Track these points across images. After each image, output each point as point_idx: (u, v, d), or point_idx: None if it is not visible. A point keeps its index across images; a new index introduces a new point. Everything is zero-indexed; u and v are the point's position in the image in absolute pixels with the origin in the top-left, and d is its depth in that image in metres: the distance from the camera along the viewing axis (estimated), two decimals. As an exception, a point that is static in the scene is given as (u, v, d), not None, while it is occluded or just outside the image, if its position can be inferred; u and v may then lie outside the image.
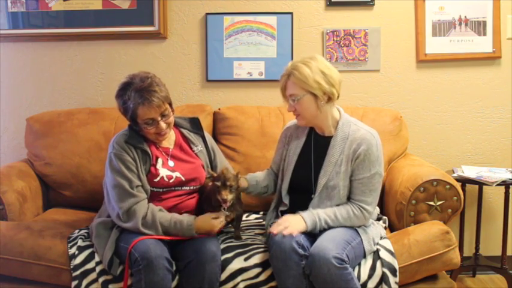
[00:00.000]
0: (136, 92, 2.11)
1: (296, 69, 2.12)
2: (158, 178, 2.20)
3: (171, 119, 2.21)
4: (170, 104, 2.20)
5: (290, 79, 2.14)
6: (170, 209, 2.20)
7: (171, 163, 2.25)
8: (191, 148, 2.36)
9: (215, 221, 2.14)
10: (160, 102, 2.12)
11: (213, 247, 2.08)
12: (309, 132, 2.27)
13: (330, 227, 2.11)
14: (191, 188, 2.28)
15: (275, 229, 2.05)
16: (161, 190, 2.21)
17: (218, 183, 2.12)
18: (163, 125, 2.15)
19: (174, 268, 2.07)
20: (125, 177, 2.13)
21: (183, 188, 2.25)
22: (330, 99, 2.14)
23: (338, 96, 2.17)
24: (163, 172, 2.21)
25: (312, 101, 2.13)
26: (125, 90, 2.15)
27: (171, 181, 2.21)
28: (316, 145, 2.23)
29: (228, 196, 2.11)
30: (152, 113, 2.12)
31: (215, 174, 2.17)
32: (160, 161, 2.23)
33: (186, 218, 2.13)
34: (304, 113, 2.16)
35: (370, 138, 2.13)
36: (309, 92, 2.11)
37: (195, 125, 2.43)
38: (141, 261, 1.97)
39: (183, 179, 2.24)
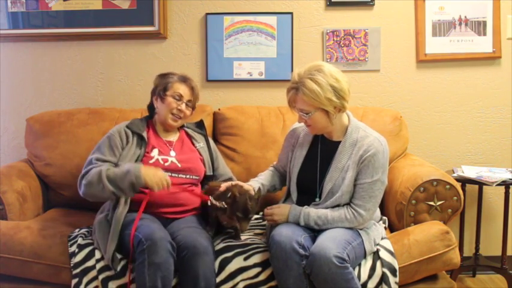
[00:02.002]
0: (180, 76, 2.44)
1: (304, 85, 2.06)
2: (153, 160, 2.30)
3: (189, 114, 2.43)
4: (194, 105, 2.46)
5: (299, 95, 2.08)
6: (171, 199, 2.26)
7: (172, 153, 2.36)
8: (193, 144, 2.47)
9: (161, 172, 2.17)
10: (195, 89, 2.44)
11: (204, 241, 2.08)
12: (315, 135, 2.26)
13: (321, 227, 2.12)
14: (187, 176, 2.32)
15: (266, 212, 2.21)
16: None
17: (239, 214, 2.11)
18: (184, 106, 2.38)
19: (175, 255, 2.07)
20: (100, 151, 2.29)
21: (179, 176, 2.30)
22: (340, 110, 2.13)
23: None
24: (157, 156, 2.32)
25: (324, 115, 2.11)
26: (170, 73, 2.45)
27: (166, 164, 2.30)
28: (323, 149, 2.22)
29: (247, 227, 2.17)
30: (185, 92, 2.40)
31: (238, 195, 2.11)
32: (156, 150, 2.33)
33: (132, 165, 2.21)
34: (316, 125, 2.15)
35: (377, 145, 2.12)
36: (320, 109, 2.09)
37: (199, 126, 2.61)
38: (145, 241, 1.99)
39: (179, 165, 2.31)
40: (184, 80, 2.42)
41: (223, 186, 2.21)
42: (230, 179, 2.47)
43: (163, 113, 2.39)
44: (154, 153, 2.33)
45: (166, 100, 2.37)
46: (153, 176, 2.12)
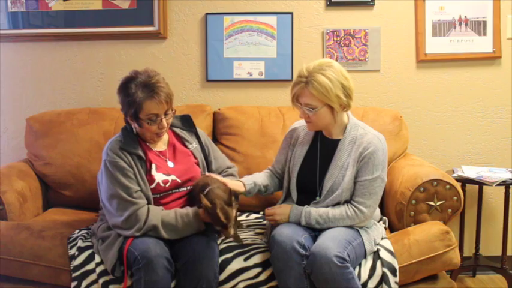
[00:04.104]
0: (144, 87, 2.10)
1: (315, 79, 2.05)
2: (154, 184, 2.17)
3: (171, 120, 2.21)
4: (172, 107, 2.20)
5: (308, 88, 2.07)
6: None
7: (170, 164, 2.25)
8: (186, 146, 2.34)
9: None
10: (168, 98, 2.12)
11: (210, 245, 2.08)
12: (315, 134, 2.26)
13: (322, 226, 2.12)
14: (188, 188, 2.27)
15: (267, 212, 2.20)
16: (158, 195, 2.19)
17: (218, 228, 2.04)
18: (164, 121, 2.14)
19: (174, 268, 2.06)
20: (122, 185, 2.09)
21: (180, 190, 2.24)
22: (344, 108, 2.14)
23: None
24: (158, 177, 2.18)
25: (328, 112, 2.12)
26: (129, 83, 2.12)
27: (167, 185, 2.20)
28: (322, 148, 2.23)
29: (232, 231, 2.05)
30: (158, 109, 2.10)
31: (209, 206, 2.01)
32: (154, 166, 2.20)
33: (190, 209, 2.12)
34: (318, 122, 2.15)
35: (376, 142, 2.12)
36: (327, 105, 2.09)
37: (187, 122, 2.40)
38: (141, 260, 1.97)
39: (179, 181, 2.23)
40: (151, 93, 2.08)
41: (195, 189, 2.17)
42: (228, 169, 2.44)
43: (146, 135, 2.19)
44: (154, 170, 2.18)
45: (143, 125, 2.13)
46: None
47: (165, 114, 2.15)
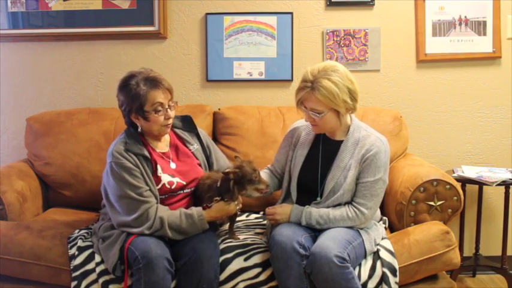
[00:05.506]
0: (145, 80, 2.14)
1: (322, 85, 2.03)
2: (160, 185, 2.18)
3: (174, 112, 2.22)
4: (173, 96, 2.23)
5: (314, 94, 2.05)
6: None
7: (173, 165, 2.25)
8: (187, 147, 2.35)
9: (229, 205, 2.16)
10: (170, 87, 2.17)
11: (211, 245, 2.08)
12: (317, 134, 2.25)
13: (322, 227, 2.11)
14: (192, 189, 2.27)
15: (268, 212, 2.20)
16: (164, 196, 2.19)
17: (256, 171, 2.14)
18: (169, 111, 2.16)
19: (174, 268, 2.06)
20: (131, 185, 2.08)
21: (184, 191, 2.25)
22: (350, 111, 2.14)
23: None
24: (164, 178, 2.19)
25: (334, 116, 2.11)
26: (129, 81, 2.15)
27: (172, 187, 2.20)
28: (324, 148, 2.22)
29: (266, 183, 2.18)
30: (163, 97, 2.13)
31: (241, 162, 2.18)
32: (159, 167, 2.20)
33: (194, 210, 2.14)
34: (324, 126, 2.14)
35: (379, 144, 2.12)
36: (333, 109, 2.09)
37: (188, 123, 2.41)
38: (141, 260, 1.97)
39: (184, 183, 2.23)
40: (153, 84, 2.13)
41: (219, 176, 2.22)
42: None
43: (154, 129, 2.18)
44: (159, 171, 2.18)
45: (150, 118, 2.13)
46: (220, 215, 2.19)
47: (169, 104, 2.17)
